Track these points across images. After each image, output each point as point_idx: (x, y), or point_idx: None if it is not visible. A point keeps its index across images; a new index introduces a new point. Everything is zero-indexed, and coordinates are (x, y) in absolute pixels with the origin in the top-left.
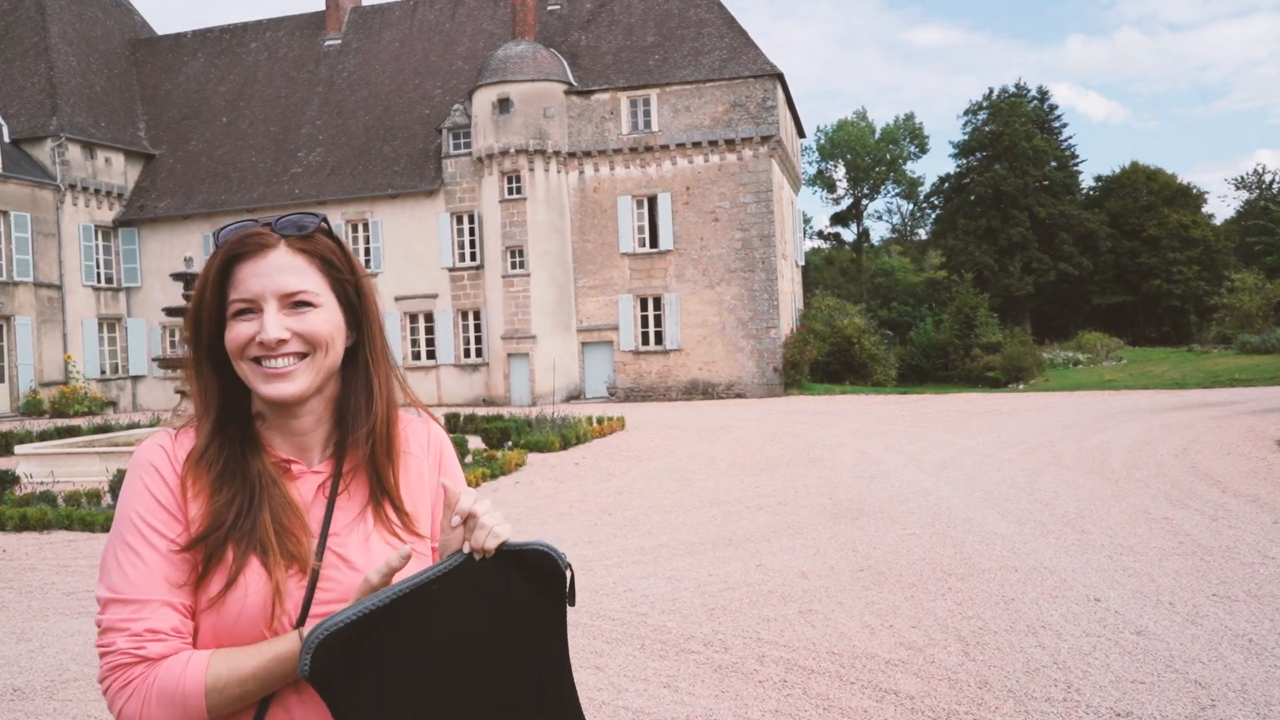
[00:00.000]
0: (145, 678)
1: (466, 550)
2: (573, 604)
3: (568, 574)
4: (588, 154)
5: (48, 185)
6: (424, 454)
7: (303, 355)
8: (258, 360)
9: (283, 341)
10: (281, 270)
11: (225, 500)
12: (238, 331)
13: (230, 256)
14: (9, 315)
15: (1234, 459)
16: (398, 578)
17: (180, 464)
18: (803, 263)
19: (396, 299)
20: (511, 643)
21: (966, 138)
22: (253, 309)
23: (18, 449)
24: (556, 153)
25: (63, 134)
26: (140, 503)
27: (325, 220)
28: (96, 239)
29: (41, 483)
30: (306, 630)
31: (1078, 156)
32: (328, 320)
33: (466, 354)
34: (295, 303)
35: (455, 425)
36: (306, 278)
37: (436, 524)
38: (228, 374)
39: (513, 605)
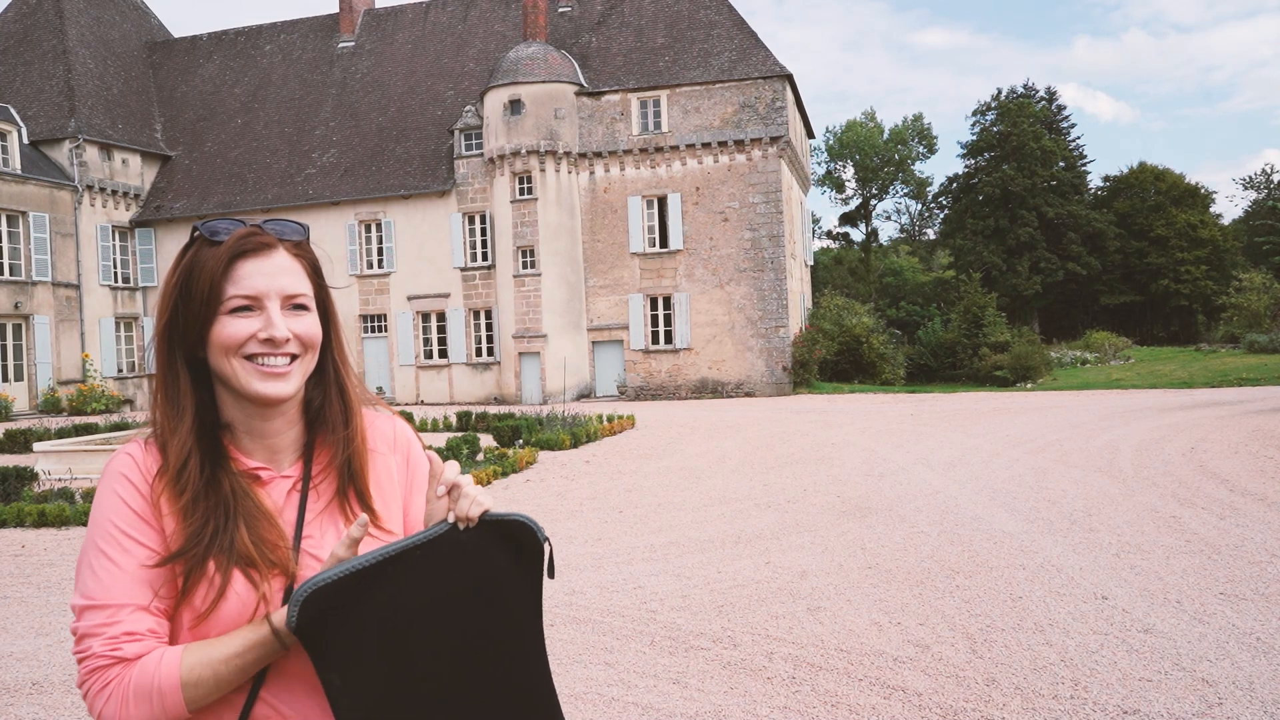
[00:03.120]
0: (122, 678)
1: (451, 519)
2: (551, 577)
3: (546, 547)
4: (598, 154)
5: (66, 186)
6: (390, 451)
7: (294, 357)
8: (251, 358)
9: (287, 340)
10: (285, 271)
11: (200, 522)
12: (237, 327)
13: (235, 253)
14: (28, 314)
15: (1241, 458)
16: (364, 549)
17: (150, 474)
18: (811, 262)
19: (409, 298)
20: (489, 607)
21: (975, 138)
22: (253, 307)
23: (36, 446)
24: (567, 153)
25: (80, 135)
26: (113, 511)
27: (308, 230)
28: (114, 239)
29: (59, 479)
30: (295, 588)
31: (1085, 157)
32: (316, 325)
33: (478, 353)
34: (294, 305)
35: (467, 423)
36: (302, 282)
37: (408, 518)
38: (198, 381)
39: (492, 572)
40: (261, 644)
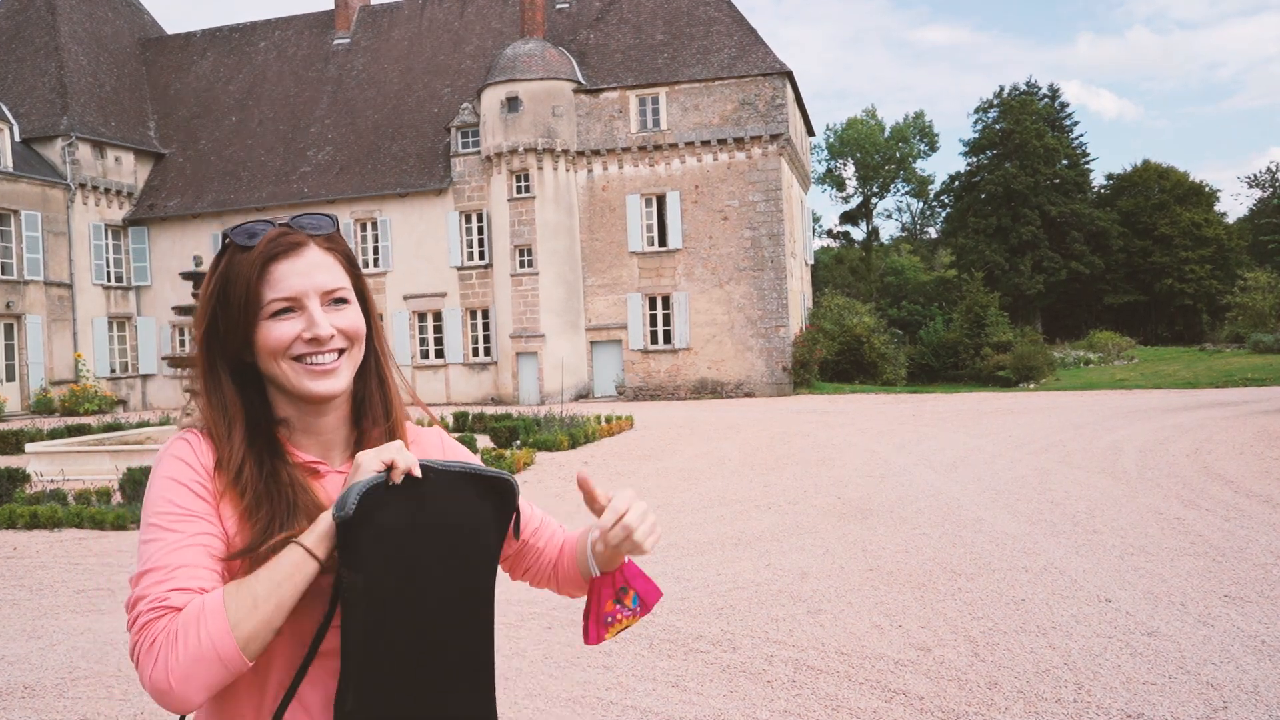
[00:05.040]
0: (169, 627)
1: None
2: (518, 538)
3: (516, 510)
4: (596, 153)
5: (58, 184)
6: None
7: (341, 351)
8: (299, 359)
9: (331, 337)
10: (320, 268)
11: (265, 520)
12: (281, 330)
13: (267, 257)
14: (20, 314)
15: (1246, 459)
16: None
17: (208, 463)
18: (812, 261)
19: (405, 297)
20: (476, 549)
21: (977, 136)
22: (293, 308)
23: (28, 447)
24: (565, 151)
25: (73, 133)
26: (166, 489)
27: (336, 221)
28: (106, 238)
29: (52, 481)
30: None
31: (1089, 154)
32: (359, 316)
33: (475, 353)
34: (334, 299)
35: (464, 424)
36: (338, 275)
37: None
38: (247, 382)
39: (484, 518)
40: (300, 563)
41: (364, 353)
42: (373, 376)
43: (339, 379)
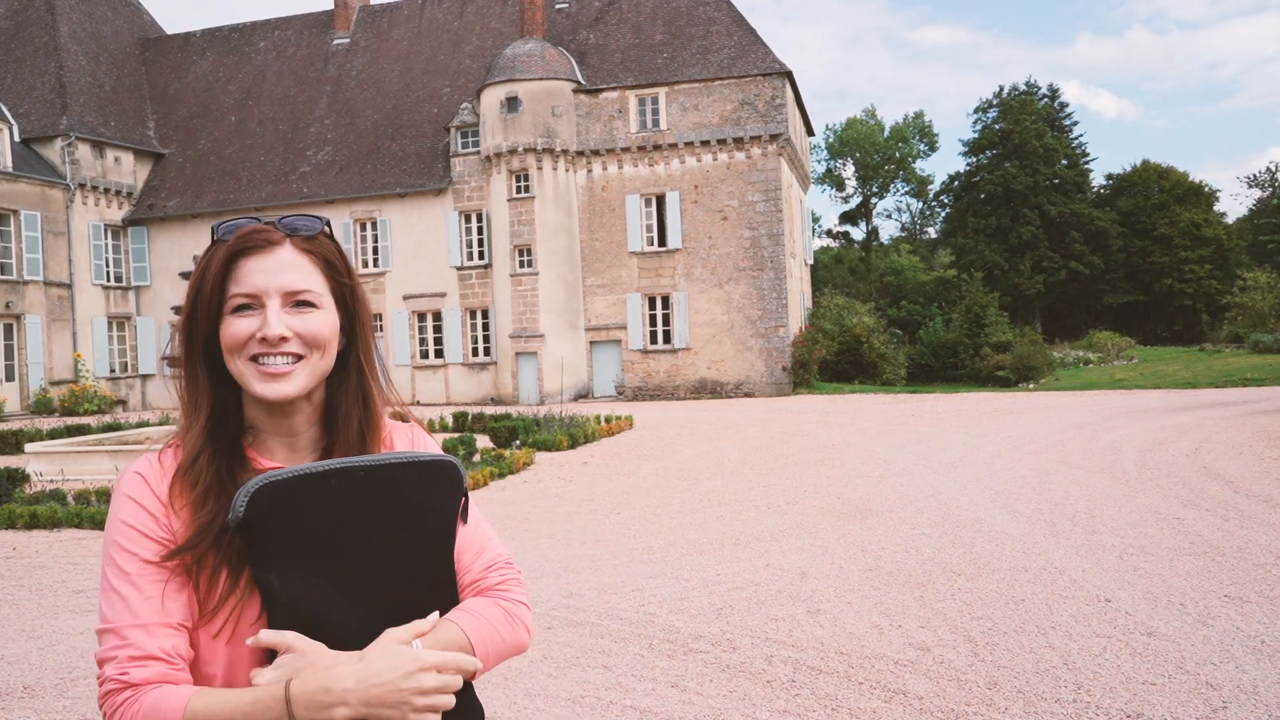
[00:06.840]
0: (130, 706)
1: (410, 455)
2: (465, 522)
3: (465, 493)
4: (596, 153)
5: (58, 184)
6: None
7: (299, 357)
8: (255, 359)
9: (284, 339)
10: (287, 268)
11: (209, 517)
12: (237, 327)
13: (235, 251)
14: (19, 314)
15: (1246, 459)
16: None
17: (162, 486)
18: (811, 261)
19: (405, 298)
20: (420, 537)
21: (977, 136)
22: (254, 305)
23: (28, 447)
24: (565, 151)
25: (72, 133)
26: (120, 534)
27: (328, 223)
28: (106, 238)
29: (51, 481)
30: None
31: (1088, 155)
32: (327, 323)
33: (475, 353)
34: (298, 302)
35: (463, 424)
36: (310, 278)
37: None
38: (220, 376)
39: (426, 504)
40: (271, 702)
41: (342, 364)
42: (352, 390)
43: (290, 384)
